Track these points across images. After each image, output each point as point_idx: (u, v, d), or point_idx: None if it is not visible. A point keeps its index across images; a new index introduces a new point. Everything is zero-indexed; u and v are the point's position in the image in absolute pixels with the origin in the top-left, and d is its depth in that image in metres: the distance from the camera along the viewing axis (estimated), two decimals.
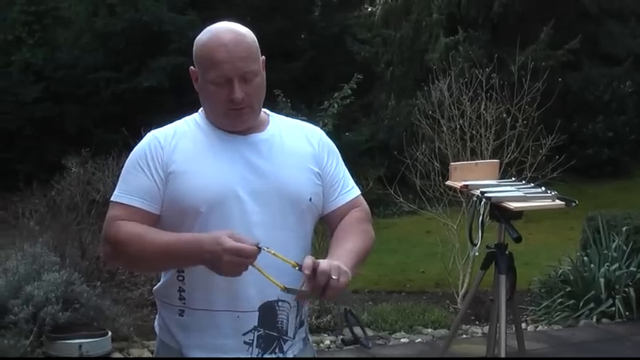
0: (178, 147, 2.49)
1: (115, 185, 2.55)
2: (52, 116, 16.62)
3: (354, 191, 2.70)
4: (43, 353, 5.92)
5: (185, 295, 2.49)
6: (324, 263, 2.26)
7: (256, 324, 2.47)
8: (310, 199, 2.56)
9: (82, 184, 7.48)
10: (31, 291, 5.90)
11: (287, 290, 2.27)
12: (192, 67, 2.54)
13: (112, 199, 2.51)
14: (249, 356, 2.47)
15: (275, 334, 2.50)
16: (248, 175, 2.48)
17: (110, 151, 7.43)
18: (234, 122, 2.51)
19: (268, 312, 2.48)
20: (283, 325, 2.52)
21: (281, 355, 2.52)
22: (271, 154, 2.54)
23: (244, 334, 2.47)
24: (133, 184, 2.48)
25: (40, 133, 16.40)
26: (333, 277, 2.24)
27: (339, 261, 2.33)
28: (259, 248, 2.26)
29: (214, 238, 2.26)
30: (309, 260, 2.25)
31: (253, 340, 2.48)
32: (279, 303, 2.50)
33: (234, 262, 2.24)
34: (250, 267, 2.28)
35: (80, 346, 5.88)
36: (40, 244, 6.77)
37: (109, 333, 6.09)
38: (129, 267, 2.72)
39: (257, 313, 2.47)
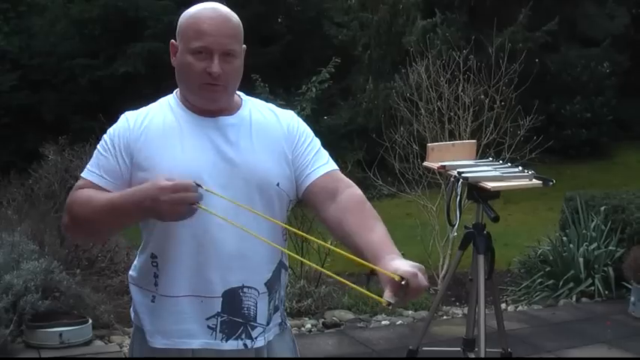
0: (147, 129, 2.48)
1: None
2: (29, 104, 16.51)
3: (330, 165, 2.60)
4: (23, 342, 5.89)
5: (158, 281, 2.48)
6: (419, 277, 2.16)
7: (219, 310, 2.46)
8: (278, 185, 2.51)
9: (60, 171, 7.44)
10: (10, 280, 5.86)
11: (390, 305, 2.11)
12: (173, 41, 2.53)
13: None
14: (213, 340, 2.47)
15: (240, 320, 2.48)
16: (215, 160, 2.44)
17: (88, 138, 7.34)
18: (206, 99, 2.48)
19: (232, 298, 2.46)
20: (250, 311, 2.49)
21: (249, 342, 2.50)
22: (239, 138, 2.50)
23: (207, 319, 2.46)
24: (98, 162, 2.50)
25: (17, 122, 16.28)
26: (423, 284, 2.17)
27: (398, 256, 2.28)
28: (197, 185, 2.27)
29: (151, 182, 2.28)
30: (414, 276, 2.14)
31: (217, 326, 2.47)
32: (244, 289, 2.48)
33: (172, 199, 2.23)
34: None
35: (61, 334, 5.86)
36: (19, 233, 6.73)
37: (90, 320, 6.07)
38: (82, 234, 2.63)
39: (220, 299, 2.45)
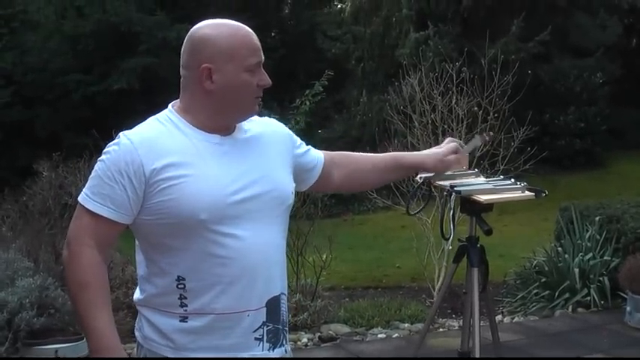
0: (161, 151, 2.38)
1: None
2: (23, 120, 16.51)
3: (317, 151, 2.89)
4: None
5: (187, 302, 2.41)
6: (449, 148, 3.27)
7: (265, 319, 2.47)
8: (292, 192, 2.61)
9: (54, 188, 7.41)
10: (5, 297, 5.84)
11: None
12: (206, 65, 2.40)
13: (80, 200, 2.42)
14: (261, 351, 2.48)
15: (279, 326, 2.53)
16: (245, 177, 2.45)
17: (81, 154, 7.35)
18: (251, 113, 2.55)
19: (274, 306, 2.50)
20: (284, 316, 2.55)
21: (287, 347, 2.57)
22: (255, 153, 2.52)
23: (254, 331, 2.46)
24: (104, 191, 2.38)
25: (10, 138, 16.27)
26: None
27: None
28: None
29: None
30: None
31: (263, 336, 2.48)
32: (282, 296, 2.54)
33: None
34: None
35: (56, 351, 5.84)
36: (14, 250, 6.71)
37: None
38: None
39: (265, 308, 2.47)
